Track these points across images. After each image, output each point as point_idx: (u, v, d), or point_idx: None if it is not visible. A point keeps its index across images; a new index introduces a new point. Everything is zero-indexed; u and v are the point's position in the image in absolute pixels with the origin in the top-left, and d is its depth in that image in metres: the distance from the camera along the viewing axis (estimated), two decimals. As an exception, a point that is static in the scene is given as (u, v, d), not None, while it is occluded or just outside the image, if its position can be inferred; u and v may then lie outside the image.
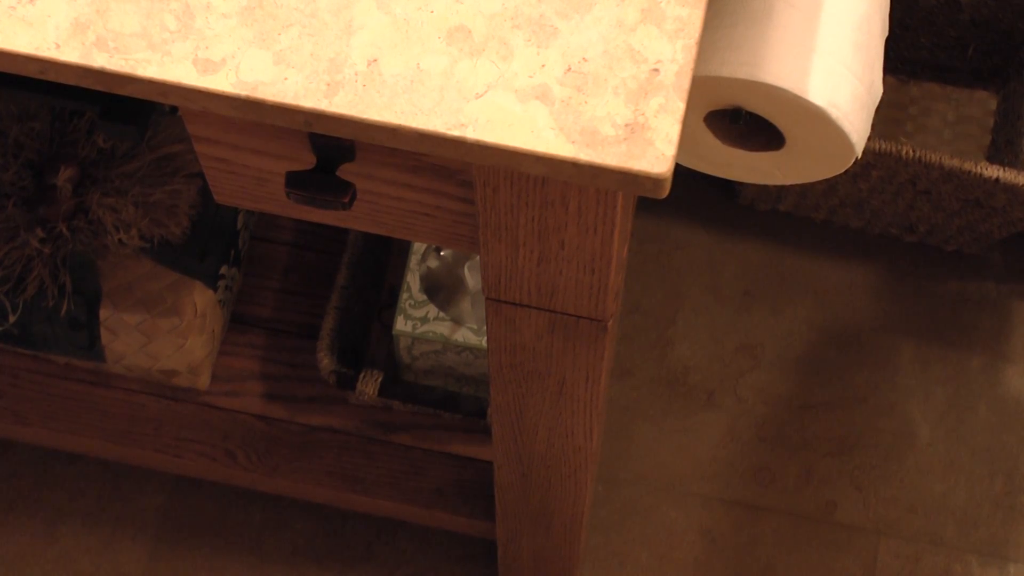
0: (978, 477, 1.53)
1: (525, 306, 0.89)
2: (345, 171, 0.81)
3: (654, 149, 0.72)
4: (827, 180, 1.52)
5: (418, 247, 1.34)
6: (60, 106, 1.13)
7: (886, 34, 0.97)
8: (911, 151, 1.44)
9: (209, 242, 1.33)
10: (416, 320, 1.31)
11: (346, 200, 0.79)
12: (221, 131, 0.80)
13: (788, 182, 1.00)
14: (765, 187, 1.59)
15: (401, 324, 1.31)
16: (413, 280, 1.32)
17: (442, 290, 1.32)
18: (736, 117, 0.96)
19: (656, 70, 0.73)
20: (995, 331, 1.59)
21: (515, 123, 0.72)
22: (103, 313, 1.30)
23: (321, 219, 0.86)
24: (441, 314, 1.31)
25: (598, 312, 0.87)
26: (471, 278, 1.32)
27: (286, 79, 0.73)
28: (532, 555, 1.34)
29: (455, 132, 0.72)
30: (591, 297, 0.85)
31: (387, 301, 1.44)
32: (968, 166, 1.44)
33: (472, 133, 0.72)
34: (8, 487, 1.51)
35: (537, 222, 0.79)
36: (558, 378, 0.95)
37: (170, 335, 1.31)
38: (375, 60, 0.74)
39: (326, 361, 1.31)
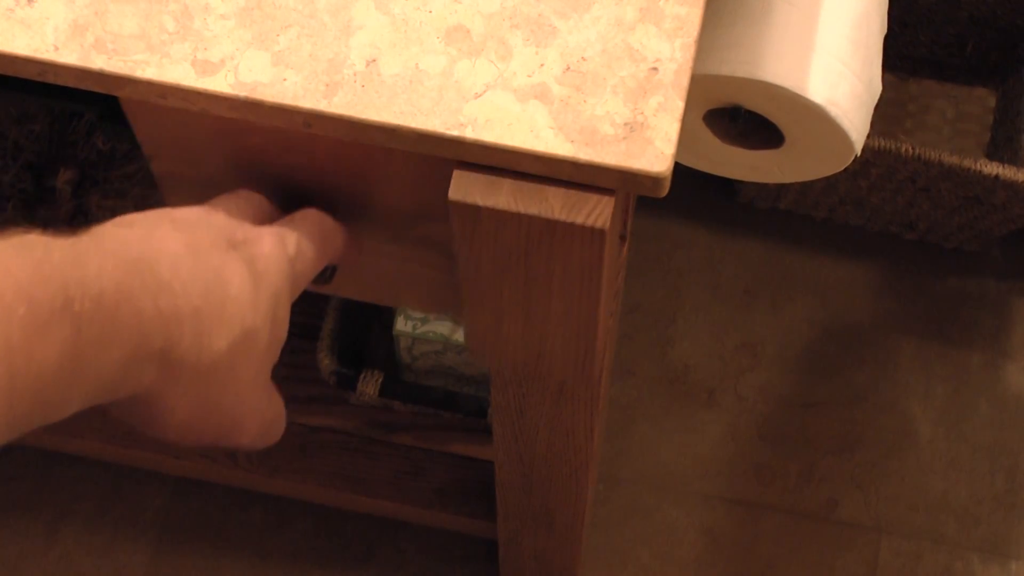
0: (979, 474, 1.53)
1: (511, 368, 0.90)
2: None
3: (653, 148, 0.72)
4: (827, 178, 1.52)
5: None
6: (59, 108, 1.13)
7: (885, 31, 0.97)
8: (910, 148, 1.44)
9: (209, 243, 1.33)
10: (416, 320, 1.31)
11: (326, 275, 0.80)
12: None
13: (788, 180, 1.00)
14: (765, 185, 1.59)
15: (401, 324, 1.31)
16: (413, 280, 1.32)
17: (442, 290, 1.33)
18: (735, 115, 0.96)
19: (655, 69, 0.73)
20: (995, 328, 1.59)
21: (514, 123, 0.72)
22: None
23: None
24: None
25: (585, 375, 0.87)
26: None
27: (285, 80, 0.73)
28: (533, 555, 1.34)
29: (454, 132, 0.72)
30: (577, 363, 0.85)
31: (387, 301, 1.44)
32: (967, 163, 1.44)
33: (471, 133, 0.72)
34: (9, 489, 1.51)
35: (521, 294, 0.78)
36: (559, 379, 0.95)
37: (170, 336, 1.31)
38: (374, 60, 0.74)
39: (326, 362, 1.31)
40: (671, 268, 1.62)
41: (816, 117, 0.90)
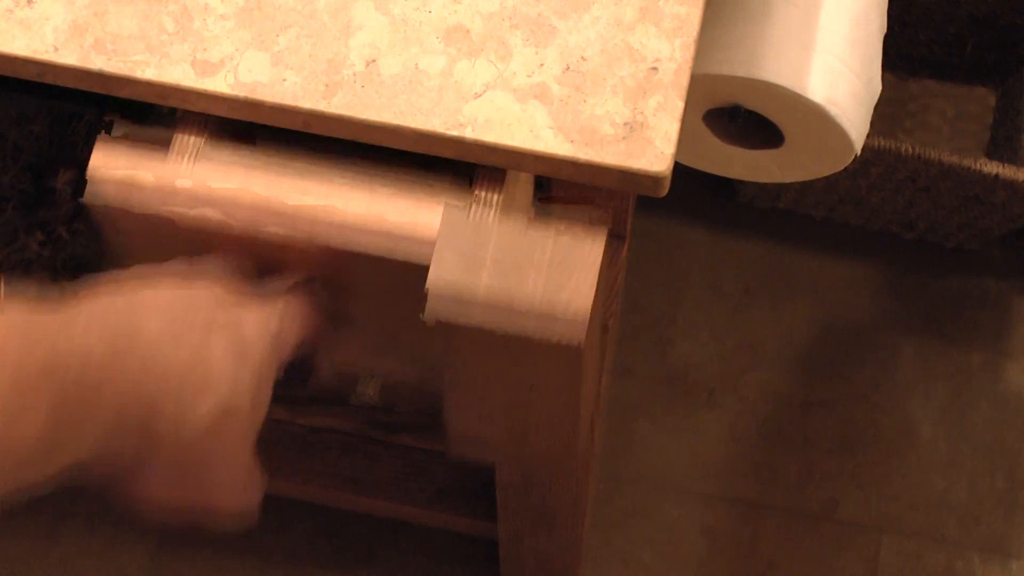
0: (980, 473, 1.53)
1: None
2: None
3: (653, 148, 0.72)
4: (826, 177, 1.51)
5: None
6: (59, 109, 1.13)
7: (884, 31, 0.97)
8: (910, 148, 1.44)
9: (209, 244, 1.33)
10: (416, 320, 1.31)
11: (304, 374, 0.79)
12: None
13: (787, 180, 1.00)
14: (764, 185, 1.59)
15: (401, 324, 1.31)
16: (413, 280, 1.32)
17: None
18: (735, 115, 0.96)
19: (655, 69, 0.73)
20: (996, 327, 1.59)
21: (514, 122, 0.72)
22: None
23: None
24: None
25: (566, 462, 0.87)
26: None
27: (284, 80, 0.73)
28: (534, 555, 1.34)
29: (454, 132, 0.72)
30: (559, 458, 0.85)
31: (387, 302, 1.44)
32: (967, 162, 1.44)
33: (471, 133, 0.72)
34: (9, 490, 1.51)
35: (500, 401, 0.78)
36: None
37: (170, 337, 1.31)
38: (373, 61, 0.74)
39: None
40: (671, 267, 1.62)
41: (816, 116, 0.90)
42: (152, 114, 0.94)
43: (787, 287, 1.61)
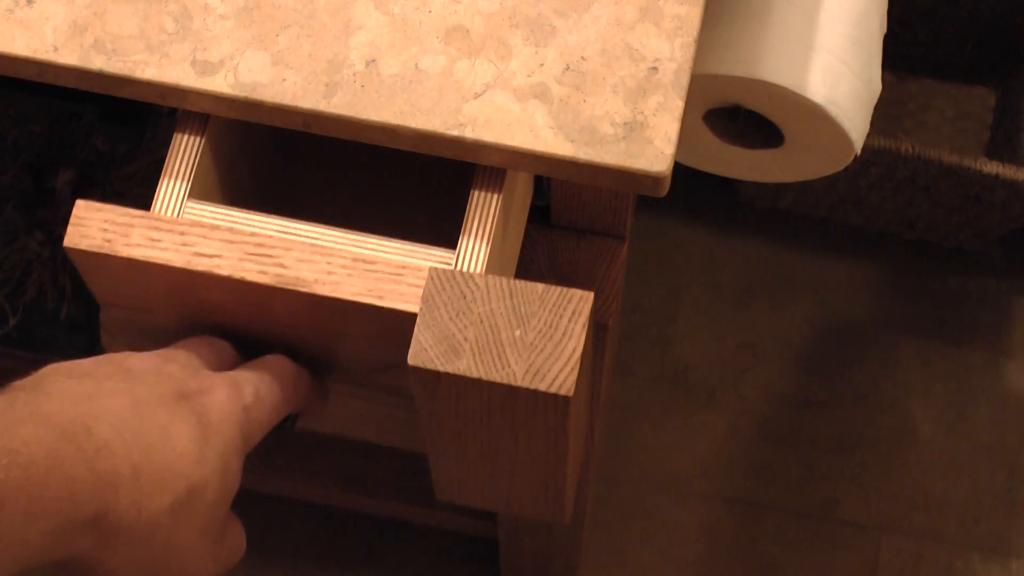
0: (980, 473, 1.53)
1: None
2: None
3: (653, 147, 0.72)
4: (826, 177, 1.51)
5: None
6: (58, 109, 1.13)
7: (884, 30, 0.97)
8: (910, 147, 1.44)
9: (209, 244, 1.32)
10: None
11: (287, 424, 0.78)
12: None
13: (787, 179, 1.00)
14: (764, 185, 1.59)
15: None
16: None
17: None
18: (735, 115, 0.96)
19: (655, 68, 0.73)
20: (996, 327, 1.59)
21: (514, 122, 0.72)
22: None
23: None
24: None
25: (556, 517, 0.86)
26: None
27: (284, 80, 0.73)
28: (534, 554, 1.34)
29: (454, 132, 0.72)
30: (546, 506, 0.84)
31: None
32: (967, 162, 1.44)
33: (471, 133, 0.72)
34: (9, 490, 1.50)
35: (485, 450, 0.77)
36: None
37: (170, 337, 1.31)
38: (373, 60, 0.74)
39: (326, 362, 1.31)
40: (671, 267, 1.62)
41: (816, 116, 0.90)
42: (151, 115, 0.94)
43: (787, 287, 1.61)
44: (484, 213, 0.75)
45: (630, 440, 1.54)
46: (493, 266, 0.77)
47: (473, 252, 0.75)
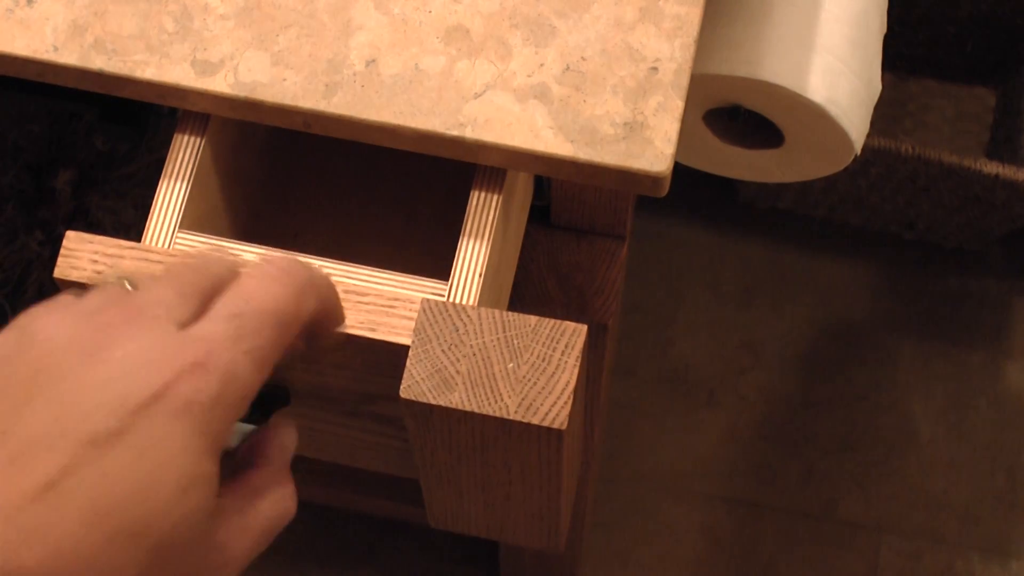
0: (979, 474, 1.53)
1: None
2: (281, 414, 0.79)
3: (653, 148, 0.72)
4: (826, 177, 1.52)
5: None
6: (58, 109, 1.13)
7: (884, 31, 0.97)
8: (910, 148, 1.44)
9: (209, 243, 1.33)
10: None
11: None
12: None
13: (787, 180, 1.00)
14: (764, 185, 1.59)
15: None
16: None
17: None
18: (735, 115, 0.96)
19: (655, 69, 0.73)
20: (995, 327, 1.59)
21: (514, 122, 0.72)
22: None
23: None
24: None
25: (550, 546, 0.86)
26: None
27: (284, 80, 0.73)
28: (534, 554, 1.34)
29: (454, 132, 0.72)
30: (540, 535, 0.84)
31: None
32: (967, 162, 1.44)
33: (471, 133, 0.72)
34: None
35: (479, 480, 0.77)
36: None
37: (170, 337, 1.31)
38: (373, 60, 0.74)
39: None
40: (671, 267, 1.62)
41: (816, 116, 0.90)
42: (151, 115, 0.94)
43: (787, 287, 1.61)
44: (484, 214, 0.75)
45: (630, 440, 1.54)
46: (487, 288, 0.76)
47: (465, 282, 0.74)
